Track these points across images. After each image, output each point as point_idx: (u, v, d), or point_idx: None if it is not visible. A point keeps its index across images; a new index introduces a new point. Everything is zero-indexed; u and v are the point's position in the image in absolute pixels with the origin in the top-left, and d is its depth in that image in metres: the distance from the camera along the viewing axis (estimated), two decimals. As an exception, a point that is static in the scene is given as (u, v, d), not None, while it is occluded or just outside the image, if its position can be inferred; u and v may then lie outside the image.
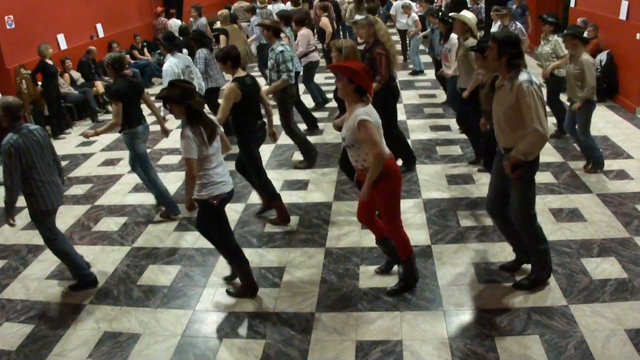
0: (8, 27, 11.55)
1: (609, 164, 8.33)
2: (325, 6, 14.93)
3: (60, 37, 13.43)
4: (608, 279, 5.66)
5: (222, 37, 11.91)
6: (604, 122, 10.32)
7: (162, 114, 8.34)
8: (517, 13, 14.96)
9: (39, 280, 6.49)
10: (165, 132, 8.04)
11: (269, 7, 17.15)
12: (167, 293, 6.00)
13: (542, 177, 8.03)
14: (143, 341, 5.29)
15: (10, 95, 11.09)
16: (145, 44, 16.44)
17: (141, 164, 7.58)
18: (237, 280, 5.96)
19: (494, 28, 12.82)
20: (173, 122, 10.74)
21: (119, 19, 16.26)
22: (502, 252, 6.24)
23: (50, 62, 11.37)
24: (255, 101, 6.90)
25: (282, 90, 8.60)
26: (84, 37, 14.51)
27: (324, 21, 14.09)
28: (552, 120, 9.17)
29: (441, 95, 12.33)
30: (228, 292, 5.92)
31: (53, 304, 5.99)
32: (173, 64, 8.39)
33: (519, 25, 11.25)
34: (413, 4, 16.14)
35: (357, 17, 9.14)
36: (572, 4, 14.42)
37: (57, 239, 6.12)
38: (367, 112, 5.04)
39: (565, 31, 8.17)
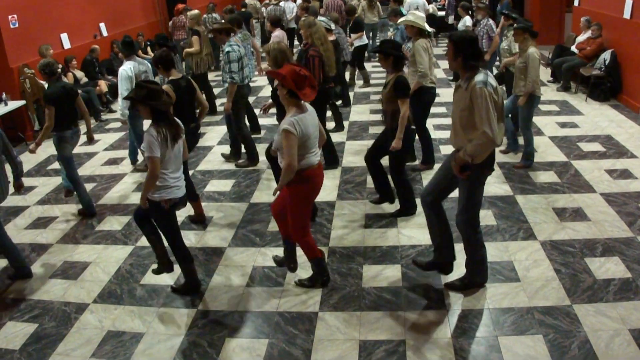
0: (12, 26, 11.55)
1: (613, 163, 8.34)
2: (306, 7, 14.99)
3: (64, 37, 13.43)
4: (612, 279, 5.64)
5: (194, 38, 11.92)
6: (608, 121, 10.31)
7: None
8: (499, 11, 15.08)
9: (43, 279, 6.49)
10: (91, 139, 8.28)
11: (282, 4, 17.24)
12: (171, 292, 6.00)
13: (545, 177, 8.04)
14: (146, 340, 5.29)
15: (15, 94, 11.22)
16: (148, 43, 16.43)
17: (65, 166, 7.81)
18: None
19: (460, 24, 12.98)
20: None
21: (122, 18, 16.25)
22: (506, 251, 6.23)
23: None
24: (188, 103, 7.13)
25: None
26: (88, 36, 14.51)
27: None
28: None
29: (444, 95, 12.33)
30: (172, 288, 6.05)
31: (56, 303, 5.99)
32: (128, 68, 8.49)
33: (490, 22, 11.25)
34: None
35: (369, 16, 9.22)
36: (576, 3, 14.43)
37: (4, 234, 6.40)
38: (294, 122, 5.09)
39: (514, 25, 8.26)
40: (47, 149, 10.56)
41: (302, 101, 5.22)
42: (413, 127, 6.97)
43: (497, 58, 11.78)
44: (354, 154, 9.41)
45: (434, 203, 5.62)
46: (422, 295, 5.63)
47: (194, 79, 9.77)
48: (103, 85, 13.32)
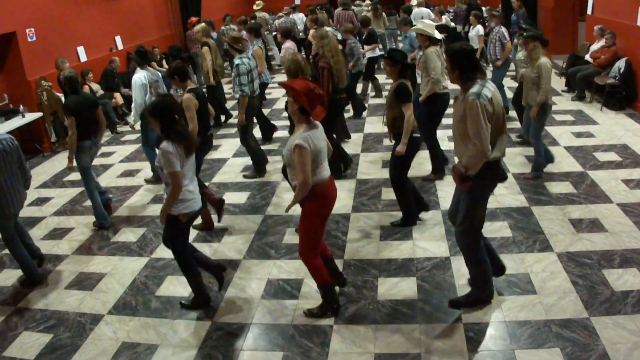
0: (29, 39, 11.67)
1: (629, 173, 8.29)
2: (316, 18, 15.06)
3: (80, 50, 13.55)
4: (630, 291, 5.58)
5: (204, 49, 11.96)
6: (624, 130, 10.25)
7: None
8: (514, 21, 15.08)
9: (58, 289, 6.53)
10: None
11: (292, 15, 17.34)
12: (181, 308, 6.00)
13: (561, 187, 7.99)
14: (161, 352, 5.30)
15: (32, 106, 11.32)
16: (163, 56, 16.54)
17: (82, 175, 7.88)
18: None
19: (472, 32, 13.00)
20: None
21: (137, 31, 16.37)
22: (522, 263, 6.19)
23: None
24: (205, 112, 7.29)
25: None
26: (104, 49, 14.62)
27: (312, 34, 14.11)
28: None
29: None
30: (181, 304, 5.98)
31: (72, 314, 6.02)
32: (142, 76, 8.70)
33: (502, 29, 11.25)
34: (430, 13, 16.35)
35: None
36: (589, 12, 14.39)
37: (16, 242, 6.54)
38: (306, 137, 5.03)
39: (524, 33, 8.25)
40: (64, 160, 10.62)
41: (312, 119, 5.19)
42: (417, 134, 6.93)
43: (513, 67, 11.75)
44: (368, 166, 9.39)
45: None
46: (438, 308, 5.59)
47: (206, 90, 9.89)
48: (119, 98, 13.42)
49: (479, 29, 12.85)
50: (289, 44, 11.31)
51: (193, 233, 7.54)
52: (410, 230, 7.15)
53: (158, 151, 5.38)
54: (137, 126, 9.03)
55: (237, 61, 8.73)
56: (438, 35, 8.35)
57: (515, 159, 9.08)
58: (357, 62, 11.87)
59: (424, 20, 9.18)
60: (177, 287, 6.27)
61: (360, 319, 5.52)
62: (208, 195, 7.41)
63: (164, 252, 7.07)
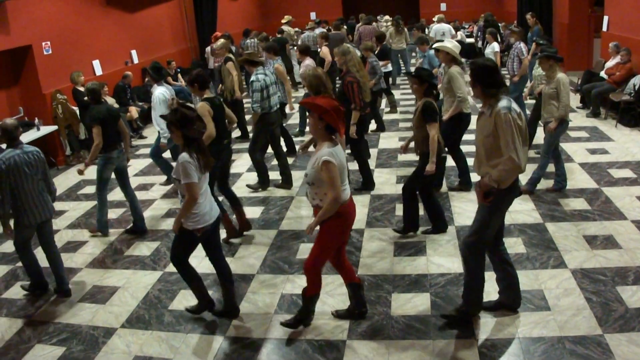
0: (45, 53, 11.79)
1: (645, 191, 8.25)
2: (326, 35, 15.18)
3: (96, 63, 13.67)
4: (644, 308, 5.54)
5: (229, 64, 11.99)
6: (639, 147, 10.20)
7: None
8: (529, 38, 15.12)
9: (71, 303, 6.55)
10: (127, 159, 8.40)
11: (316, 31, 17.46)
12: (199, 318, 6.00)
13: (576, 204, 7.95)
14: (174, 366, 5.29)
15: (47, 119, 11.41)
16: (179, 70, 16.65)
17: (99, 184, 8.05)
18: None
19: (488, 49, 13.07)
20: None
21: (153, 45, 16.51)
22: (536, 280, 6.16)
23: (81, 88, 11.60)
24: (221, 120, 7.43)
25: (260, 117, 8.95)
26: (119, 63, 14.75)
27: (324, 50, 14.18)
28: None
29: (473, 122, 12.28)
30: (187, 309, 6.08)
31: (85, 327, 6.03)
32: (163, 92, 9.01)
33: (520, 45, 11.25)
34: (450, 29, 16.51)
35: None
36: (604, 28, 14.37)
37: (27, 249, 6.67)
38: (333, 153, 5.01)
39: (539, 53, 8.30)
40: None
41: (335, 137, 5.19)
42: (444, 155, 6.98)
43: (528, 81, 11.75)
44: (383, 181, 9.39)
45: (495, 244, 5.48)
46: (452, 324, 5.55)
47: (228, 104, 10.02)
48: (134, 112, 13.50)
49: (495, 45, 12.87)
50: (308, 61, 11.34)
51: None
52: (424, 245, 7.14)
53: (176, 162, 5.42)
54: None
55: (252, 77, 8.83)
56: (461, 58, 8.46)
57: (530, 175, 9.05)
58: (379, 80, 11.89)
59: (450, 39, 9.25)
60: (191, 301, 6.28)
61: (374, 334, 5.51)
62: (236, 220, 7.77)
63: (178, 266, 7.11)
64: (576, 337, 5.18)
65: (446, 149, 8.01)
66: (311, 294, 5.54)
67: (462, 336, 5.36)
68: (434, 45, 9.18)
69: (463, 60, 8.75)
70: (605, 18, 14.32)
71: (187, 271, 5.83)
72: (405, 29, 16.89)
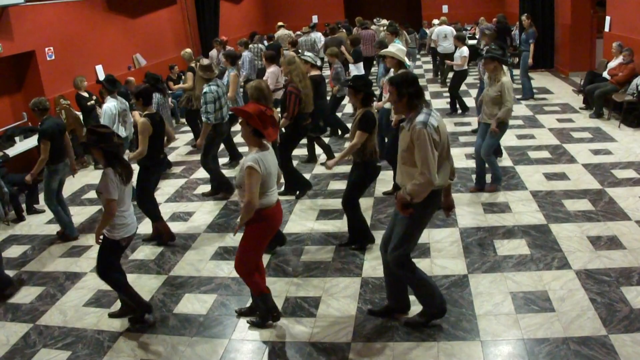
0: (48, 58, 11.84)
1: (649, 191, 8.24)
2: (295, 41, 15.39)
3: (99, 68, 13.71)
4: (649, 309, 5.54)
5: (188, 75, 12.11)
6: (642, 148, 10.21)
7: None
8: (524, 39, 15.15)
9: (76, 307, 6.56)
10: (74, 171, 8.74)
11: (311, 35, 17.50)
12: (203, 322, 6.02)
13: (579, 205, 7.95)
14: (179, 370, 5.31)
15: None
16: (182, 74, 16.66)
17: (47, 197, 8.29)
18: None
19: (457, 54, 13.28)
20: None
21: (156, 50, 16.56)
22: (540, 281, 6.16)
23: (85, 94, 11.64)
24: (160, 136, 7.60)
25: (212, 127, 9.07)
26: (122, 68, 14.78)
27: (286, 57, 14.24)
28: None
29: (475, 123, 12.29)
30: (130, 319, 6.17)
31: (90, 331, 6.04)
32: (112, 106, 9.18)
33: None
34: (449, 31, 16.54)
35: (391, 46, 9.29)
36: (606, 29, 14.36)
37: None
38: (258, 159, 5.17)
39: (484, 54, 8.39)
40: (82, 178, 10.80)
41: (264, 141, 5.33)
42: (379, 164, 7.01)
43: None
44: (385, 184, 9.39)
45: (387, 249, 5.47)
46: (456, 325, 5.56)
47: (187, 114, 10.60)
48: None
49: (464, 50, 12.86)
50: (273, 69, 11.39)
51: (211, 251, 7.59)
52: (428, 247, 7.13)
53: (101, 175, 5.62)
54: None
55: (205, 89, 8.94)
56: (407, 61, 8.68)
57: (534, 176, 9.05)
58: (342, 87, 11.84)
59: (397, 44, 9.36)
60: (195, 304, 6.30)
61: (378, 336, 5.51)
62: (165, 227, 7.96)
63: (181, 270, 7.13)
64: (581, 338, 5.18)
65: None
66: (257, 295, 5.70)
67: (467, 338, 5.36)
68: (380, 52, 9.28)
69: (411, 64, 8.80)
70: (608, 18, 14.31)
71: (117, 278, 5.94)
72: (405, 32, 16.90)
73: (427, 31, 18.76)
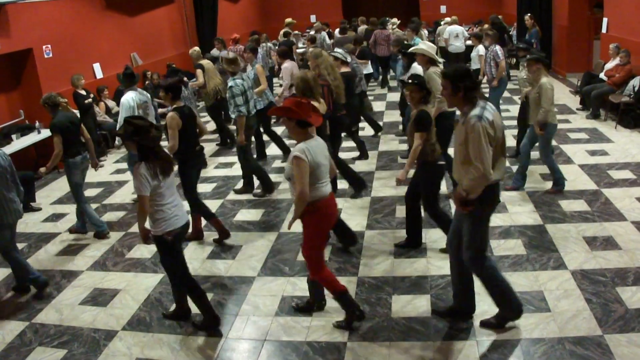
0: (46, 56, 11.82)
1: (645, 192, 8.26)
2: (313, 37, 15.63)
3: (96, 66, 13.70)
4: (644, 309, 5.55)
5: (198, 72, 12.09)
6: (638, 148, 10.21)
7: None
8: (527, 40, 15.19)
9: (72, 305, 6.56)
10: (95, 165, 8.54)
11: (323, 33, 17.60)
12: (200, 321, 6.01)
13: (575, 205, 7.97)
14: (175, 369, 5.31)
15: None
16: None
17: (74, 192, 8.19)
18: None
19: (474, 53, 13.16)
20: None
21: (153, 48, 16.53)
22: (536, 281, 6.17)
23: (82, 92, 11.63)
24: (191, 129, 7.38)
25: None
26: (120, 66, 14.73)
27: (309, 52, 14.30)
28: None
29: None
30: (194, 324, 5.97)
31: (86, 330, 6.04)
32: (130, 98, 8.81)
33: (496, 48, 11.26)
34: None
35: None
36: (604, 30, 14.38)
37: (11, 249, 6.75)
38: (304, 149, 5.09)
39: (528, 56, 8.36)
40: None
41: (310, 132, 5.25)
42: (441, 162, 6.86)
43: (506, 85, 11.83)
44: (383, 183, 9.40)
45: (459, 247, 5.42)
46: (452, 325, 5.58)
47: (207, 111, 10.66)
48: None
49: (480, 48, 12.85)
50: (287, 64, 11.44)
51: (209, 250, 7.60)
52: (424, 247, 7.14)
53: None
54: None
55: (230, 83, 8.79)
56: (439, 58, 8.46)
57: (530, 176, 9.05)
58: (360, 82, 11.84)
59: (427, 41, 9.33)
60: (191, 303, 6.29)
61: (374, 336, 5.52)
62: (218, 224, 7.78)
63: (178, 268, 7.12)
64: (576, 338, 5.19)
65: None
66: (337, 295, 5.59)
67: (463, 338, 5.37)
68: (410, 50, 9.19)
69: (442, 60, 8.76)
70: (605, 20, 14.33)
71: (191, 287, 5.83)
72: (423, 31, 16.91)
73: (437, 30, 18.75)
